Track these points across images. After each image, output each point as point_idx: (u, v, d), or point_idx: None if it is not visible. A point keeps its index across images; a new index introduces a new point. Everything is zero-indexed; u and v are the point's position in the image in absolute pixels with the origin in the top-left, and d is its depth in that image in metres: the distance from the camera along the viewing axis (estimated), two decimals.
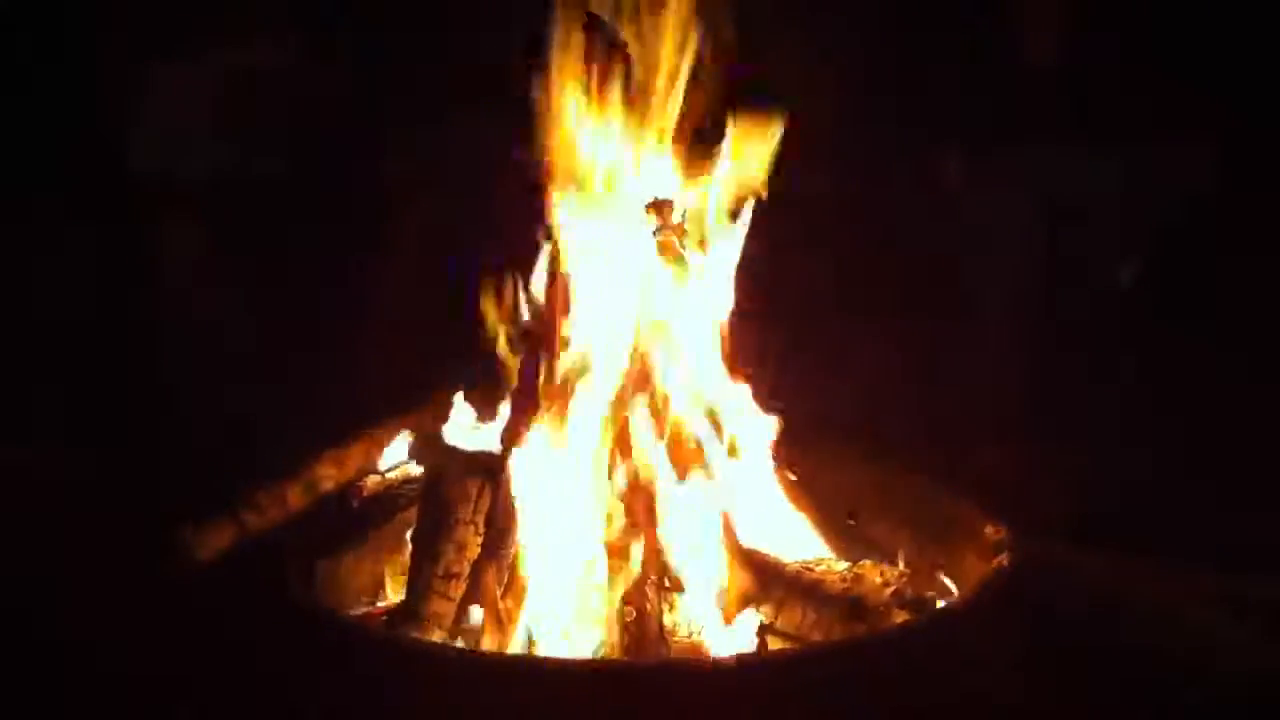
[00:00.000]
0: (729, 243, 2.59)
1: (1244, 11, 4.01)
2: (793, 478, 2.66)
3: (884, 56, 4.19)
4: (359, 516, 2.64)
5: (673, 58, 2.55)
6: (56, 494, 3.30)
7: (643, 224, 2.48)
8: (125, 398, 3.84)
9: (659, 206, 2.48)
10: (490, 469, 2.47)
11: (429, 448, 2.67)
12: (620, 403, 2.48)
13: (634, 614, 2.31)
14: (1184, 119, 4.15)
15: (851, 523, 2.72)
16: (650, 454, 2.46)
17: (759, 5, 3.98)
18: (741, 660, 2.24)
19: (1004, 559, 2.45)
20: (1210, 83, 4.07)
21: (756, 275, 2.67)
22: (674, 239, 2.48)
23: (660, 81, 2.52)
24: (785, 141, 2.58)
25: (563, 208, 2.50)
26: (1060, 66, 4.33)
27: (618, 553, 2.37)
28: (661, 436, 2.49)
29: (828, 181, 4.25)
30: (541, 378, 2.50)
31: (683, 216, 2.49)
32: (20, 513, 3.19)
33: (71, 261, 4.05)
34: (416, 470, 2.71)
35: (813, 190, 4.14)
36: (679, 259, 2.47)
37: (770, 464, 2.64)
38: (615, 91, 2.45)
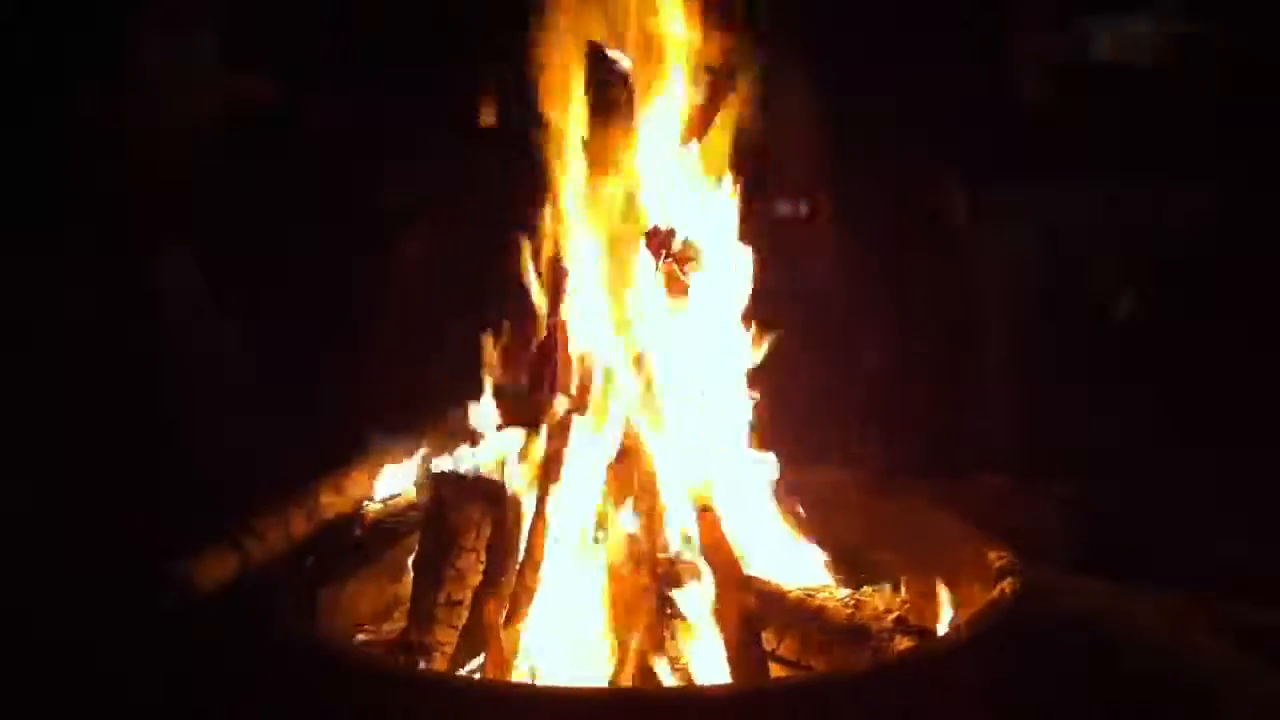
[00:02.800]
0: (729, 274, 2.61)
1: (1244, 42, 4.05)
2: (796, 508, 2.66)
3: (886, 89, 4.22)
4: (361, 544, 2.64)
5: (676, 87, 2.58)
6: (57, 526, 3.30)
7: (645, 254, 2.48)
8: (127, 427, 3.84)
9: (661, 236, 2.48)
10: (492, 496, 2.47)
11: (432, 474, 2.66)
12: (624, 432, 2.48)
13: (639, 642, 2.31)
14: (1185, 153, 4.18)
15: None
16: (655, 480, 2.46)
17: (760, 40, 4.05)
18: (743, 689, 2.23)
19: (1007, 585, 2.44)
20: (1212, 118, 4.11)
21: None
22: (677, 269, 2.48)
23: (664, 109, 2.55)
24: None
25: (568, 237, 2.51)
26: (1060, 101, 4.36)
27: (621, 580, 2.37)
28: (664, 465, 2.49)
29: (828, 214, 4.29)
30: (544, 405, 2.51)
31: (684, 245, 2.49)
32: (20, 545, 3.19)
33: (71, 288, 4.06)
34: (419, 497, 2.70)
35: (812, 223, 4.18)
36: (682, 289, 2.48)
37: (770, 491, 2.65)
38: (618, 120, 2.47)
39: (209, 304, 4.19)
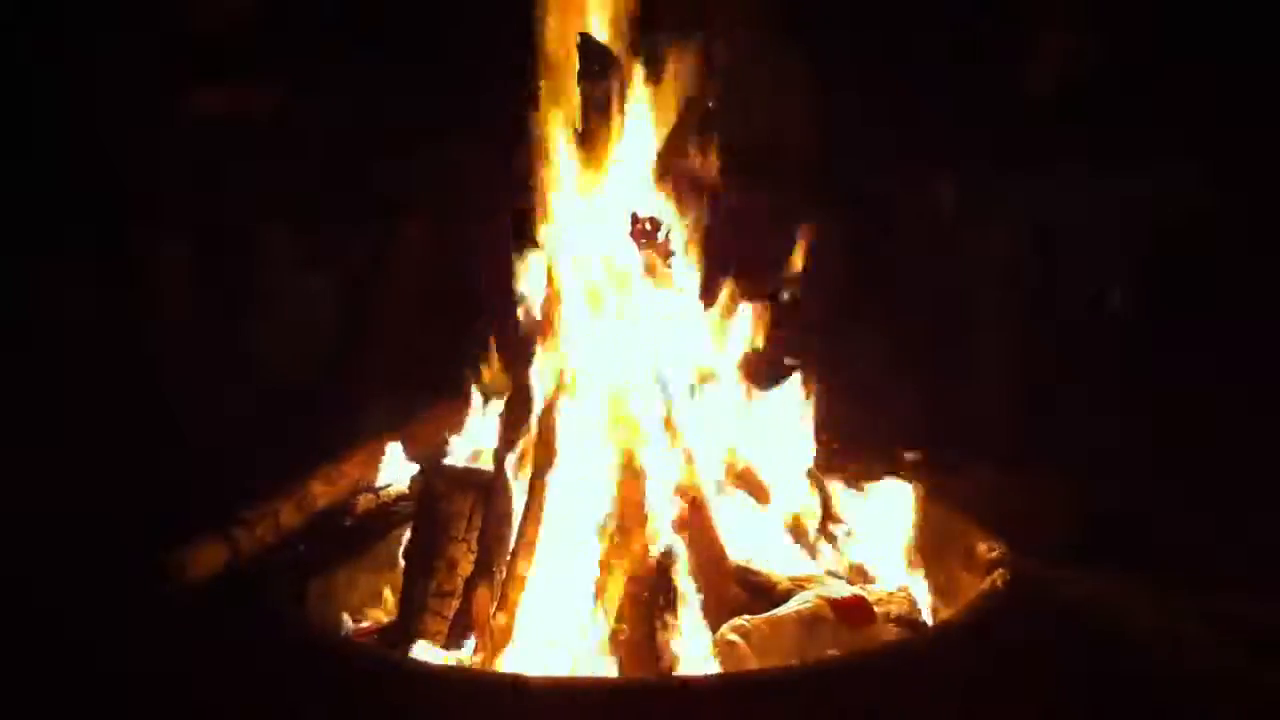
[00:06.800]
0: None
1: (1239, 35, 4.05)
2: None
3: (882, 85, 4.23)
4: (352, 534, 2.64)
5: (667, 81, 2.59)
6: (54, 516, 3.32)
7: (630, 241, 2.49)
8: (122, 417, 3.85)
9: (645, 224, 2.49)
10: (483, 487, 2.47)
11: (423, 465, 2.67)
12: (616, 422, 2.48)
13: (628, 632, 2.30)
14: (1180, 145, 4.18)
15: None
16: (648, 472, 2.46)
17: (757, 36, 4.06)
18: (734, 679, 2.22)
19: (999, 577, 2.43)
20: (1204, 108, 4.11)
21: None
22: (658, 257, 2.49)
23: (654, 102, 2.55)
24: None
25: (554, 227, 2.51)
26: (1056, 95, 4.37)
27: (613, 571, 2.36)
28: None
29: (826, 209, 4.27)
30: (535, 395, 2.51)
31: (667, 235, 2.50)
32: (15, 534, 3.20)
33: (70, 280, 4.09)
34: (410, 488, 2.70)
35: (811, 218, 4.18)
36: (665, 277, 2.48)
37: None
38: (607, 110, 2.47)
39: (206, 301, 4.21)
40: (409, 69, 4.28)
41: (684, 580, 2.39)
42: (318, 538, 2.58)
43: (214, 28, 4.35)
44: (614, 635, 2.31)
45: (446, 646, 2.36)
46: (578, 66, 2.48)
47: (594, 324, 2.50)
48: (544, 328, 2.49)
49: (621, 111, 2.52)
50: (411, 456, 2.75)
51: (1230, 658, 2.80)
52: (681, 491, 2.45)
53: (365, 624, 2.58)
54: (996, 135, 4.25)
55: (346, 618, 2.59)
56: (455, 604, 2.40)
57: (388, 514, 2.66)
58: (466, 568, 2.42)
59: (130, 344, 4.07)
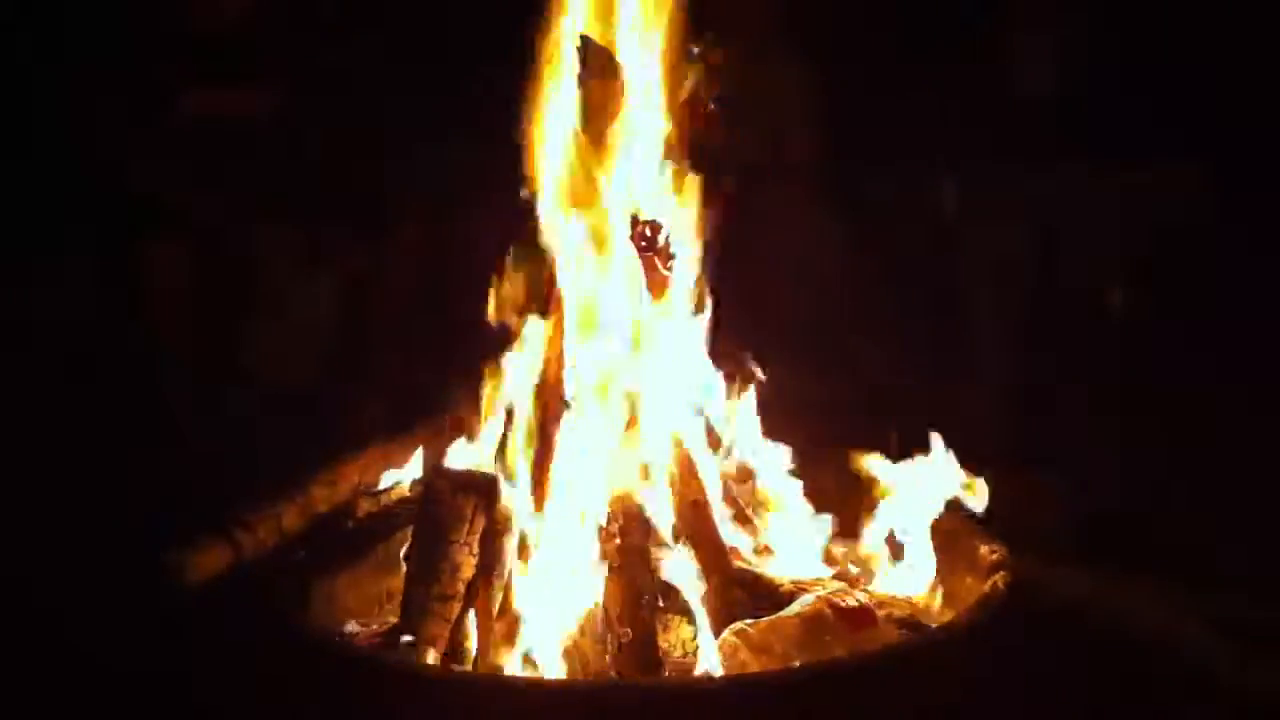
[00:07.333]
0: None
1: (1236, 35, 4.05)
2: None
3: (882, 85, 4.23)
4: (354, 537, 2.64)
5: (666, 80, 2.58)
6: (54, 516, 3.32)
7: (629, 245, 2.48)
8: (122, 417, 3.86)
9: (646, 227, 2.48)
10: (485, 490, 2.46)
11: (425, 468, 2.66)
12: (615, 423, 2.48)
13: (629, 635, 2.30)
14: (1178, 144, 4.18)
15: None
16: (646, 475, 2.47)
17: (756, 37, 4.06)
18: (735, 681, 2.23)
19: (1000, 579, 2.43)
20: (1204, 108, 4.11)
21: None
22: (659, 261, 2.49)
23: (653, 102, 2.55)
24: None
25: (556, 228, 2.51)
26: (1056, 95, 4.38)
27: (613, 573, 2.37)
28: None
29: (825, 211, 4.29)
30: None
31: (668, 239, 2.49)
32: (15, 534, 3.21)
33: (70, 283, 4.09)
34: (412, 490, 2.70)
35: (809, 220, 4.19)
36: (663, 281, 2.48)
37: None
38: (607, 111, 2.47)
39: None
40: (409, 69, 4.28)
41: (686, 582, 2.40)
42: (320, 540, 2.58)
43: (214, 28, 4.35)
44: (615, 637, 2.30)
45: (449, 650, 2.36)
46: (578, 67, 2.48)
47: (597, 328, 2.51)
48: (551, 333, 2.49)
49: (620, 110, 2.52)
50: (413, 459, 2.74)
51: (1230, 658, 2.80)
52: (684, 494, 2.45)
53: (367, 627, 2.57)
54: (996, 135, 4.25)
55: (348, 620, 2.58)
56: (457, 607, 2.39)
57: (390, 517, 2.66)
58: (469, 571, 2.41)
59: (130, 344, 4.07)
